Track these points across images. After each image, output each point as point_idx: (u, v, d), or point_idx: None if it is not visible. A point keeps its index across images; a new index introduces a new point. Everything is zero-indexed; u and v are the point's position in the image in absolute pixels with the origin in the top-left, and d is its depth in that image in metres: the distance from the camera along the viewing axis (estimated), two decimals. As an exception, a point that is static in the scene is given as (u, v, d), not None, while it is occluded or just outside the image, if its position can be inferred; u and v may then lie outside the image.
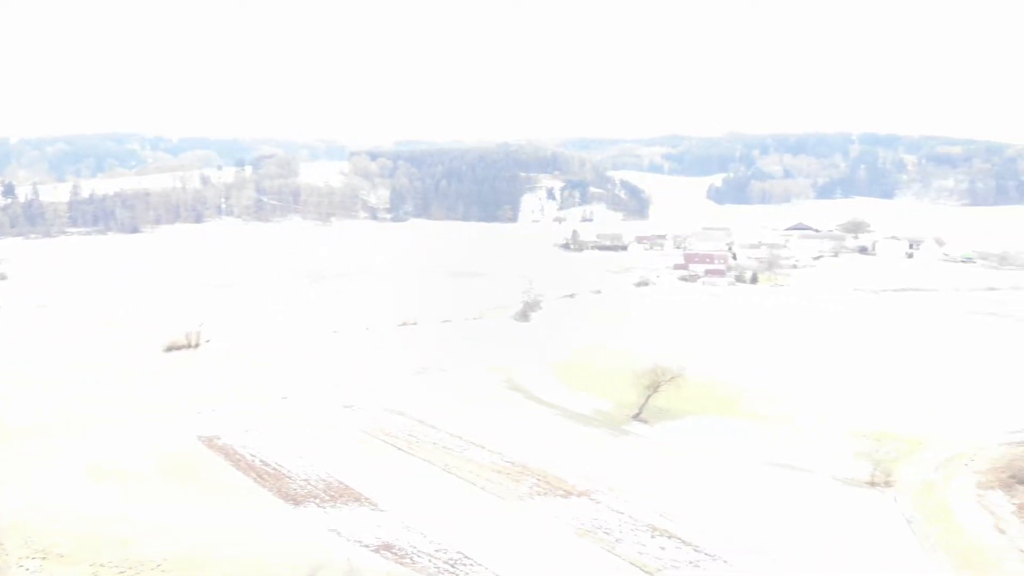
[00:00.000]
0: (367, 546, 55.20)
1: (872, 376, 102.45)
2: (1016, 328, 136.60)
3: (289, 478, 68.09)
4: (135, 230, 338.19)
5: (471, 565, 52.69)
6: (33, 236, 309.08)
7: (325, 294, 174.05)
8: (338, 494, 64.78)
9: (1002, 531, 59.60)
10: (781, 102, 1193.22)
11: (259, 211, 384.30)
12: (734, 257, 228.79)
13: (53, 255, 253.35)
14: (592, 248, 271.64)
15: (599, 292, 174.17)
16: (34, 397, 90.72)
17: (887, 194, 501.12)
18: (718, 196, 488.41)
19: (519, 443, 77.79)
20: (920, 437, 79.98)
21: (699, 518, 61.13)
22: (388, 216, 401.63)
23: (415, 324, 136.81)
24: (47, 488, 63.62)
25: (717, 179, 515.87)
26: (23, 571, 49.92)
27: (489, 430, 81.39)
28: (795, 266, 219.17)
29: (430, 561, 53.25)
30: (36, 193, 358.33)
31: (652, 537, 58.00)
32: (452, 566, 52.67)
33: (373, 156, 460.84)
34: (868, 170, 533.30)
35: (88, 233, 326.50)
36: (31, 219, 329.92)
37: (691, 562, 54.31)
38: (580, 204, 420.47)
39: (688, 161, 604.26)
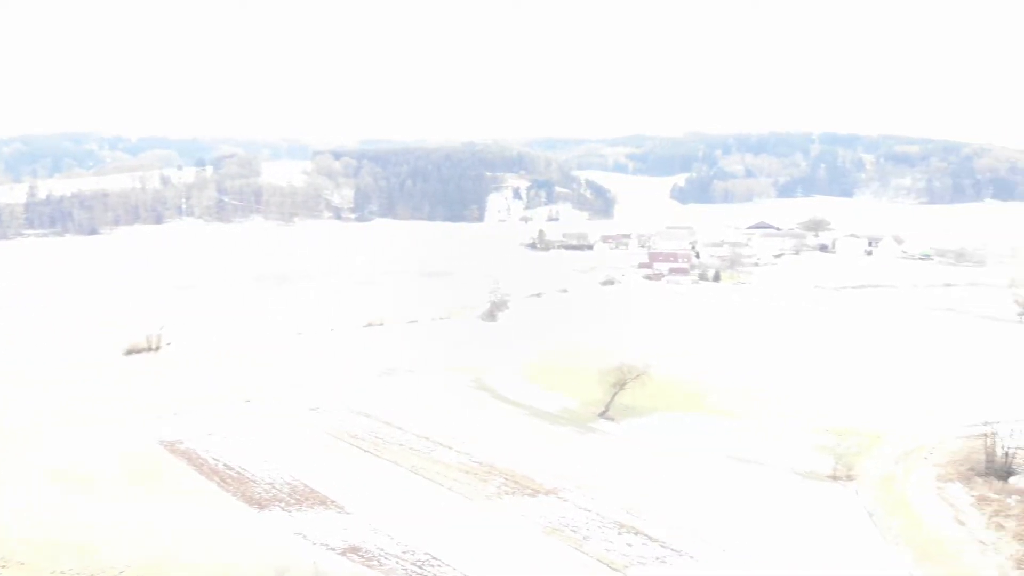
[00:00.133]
0: (333, 549, 54.76)
1: (833, 372, 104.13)
2: (973, 324, 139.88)
3: (253, 482, 67.30)
4: (93, 231, 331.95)
5: (439, 566, 52.54)
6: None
7: (289, 295, 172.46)
8: (303, 497, 64.19)
9: (961, 523, 60.90)
10: (742, 102, 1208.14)
11: (220, 211, 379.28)
12: (697, 256, 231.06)
13: (9, 257, 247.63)
14: (558, 247, 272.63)
15: (566, 291, 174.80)
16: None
17: (846, 193, 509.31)
18: (681, 196, 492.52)
19: (486, 443, 77.77)
20: (880, 431, 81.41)
21: (665, 514, 61.62)
22: (352, 216, 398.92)
23: (381, 325, 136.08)
24: (6, 494, 62.16)
25: (680, 179, 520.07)
26: (-21, 581, 48.76)
27: (456, 430, 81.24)
28: (757, 264, 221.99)
29: (397, 563, 52.99)
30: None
31: (619, 534, 58.33)
32: (420, 567, 52.47)
33: (337, 155, 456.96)
34: (828, 169, 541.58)
35: (45, 235, 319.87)
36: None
37: (657, 558, 54.73)
38: (546, 204, 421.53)
39: (652, 161, 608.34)
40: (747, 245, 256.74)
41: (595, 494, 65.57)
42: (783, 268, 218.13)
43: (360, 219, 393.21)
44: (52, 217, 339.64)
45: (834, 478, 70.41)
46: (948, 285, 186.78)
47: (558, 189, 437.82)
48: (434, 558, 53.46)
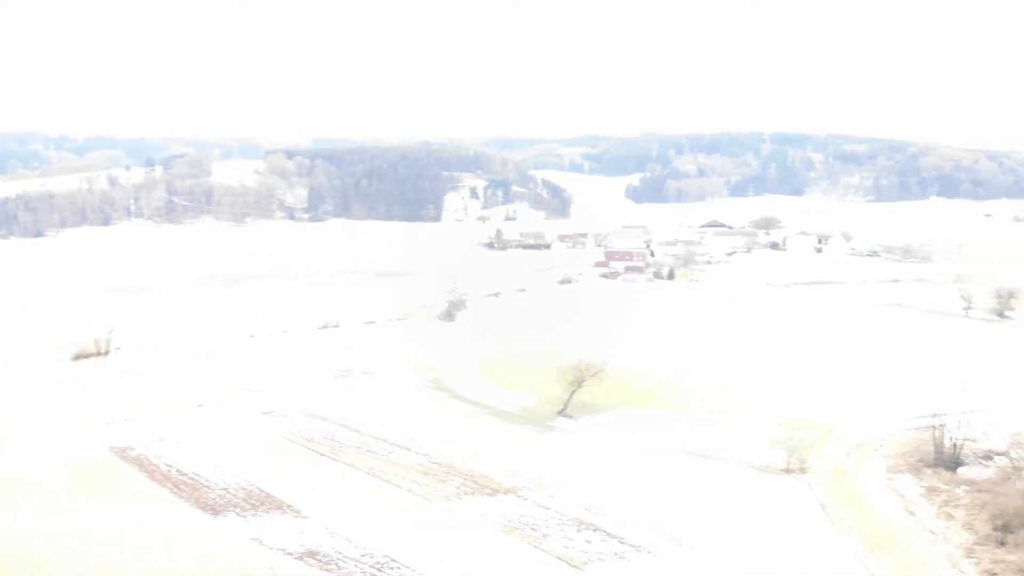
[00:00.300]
0: (290, 554, 54.06)
1: (786, 367, 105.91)
2: (920, 318, 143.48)
3: (207, 487, 66.14)
4: (39, 234, 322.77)
5: (398, 568, 52.19)
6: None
7: (241, 297, 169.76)
8: (259, 502, 63.24)
9: (912, 513, 62.40)
10: (695, 103, 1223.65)
11: (170, 212, 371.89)
12: (652, 254, 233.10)
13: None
14: (516, 247, 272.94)
15: (524, 290, 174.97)
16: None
17: (796, 191, 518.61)
18: (636, 195, 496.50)
19: (445, 443, 77.52)
20: (832, 425, 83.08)
21: (624, 510, 62.09)
22: (306, 216, 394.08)
23: (336, 326, 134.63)
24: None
25: (635, 178, 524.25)
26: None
27: (415, 432, 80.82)
28: (710, 262, 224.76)
29: (356, 566, 52.51)
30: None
31: (578, 531, 58.60)
32: (379, 570, 52.05)
33: (290, 155, 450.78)
34: (778, 168, 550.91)
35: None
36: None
37: (617, 554, 55.12)
38: (503, 203, 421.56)
39: (607, 161, 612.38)
40: (700, 243, 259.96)
41: (554, 492, 65.79)
42: (735, 266, 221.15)
43: (314, 219, 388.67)
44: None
45: (788, 471, 71.67)
46: (895, 281, 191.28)
47: (515, 189, 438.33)
48: (393, 560, 53.10)
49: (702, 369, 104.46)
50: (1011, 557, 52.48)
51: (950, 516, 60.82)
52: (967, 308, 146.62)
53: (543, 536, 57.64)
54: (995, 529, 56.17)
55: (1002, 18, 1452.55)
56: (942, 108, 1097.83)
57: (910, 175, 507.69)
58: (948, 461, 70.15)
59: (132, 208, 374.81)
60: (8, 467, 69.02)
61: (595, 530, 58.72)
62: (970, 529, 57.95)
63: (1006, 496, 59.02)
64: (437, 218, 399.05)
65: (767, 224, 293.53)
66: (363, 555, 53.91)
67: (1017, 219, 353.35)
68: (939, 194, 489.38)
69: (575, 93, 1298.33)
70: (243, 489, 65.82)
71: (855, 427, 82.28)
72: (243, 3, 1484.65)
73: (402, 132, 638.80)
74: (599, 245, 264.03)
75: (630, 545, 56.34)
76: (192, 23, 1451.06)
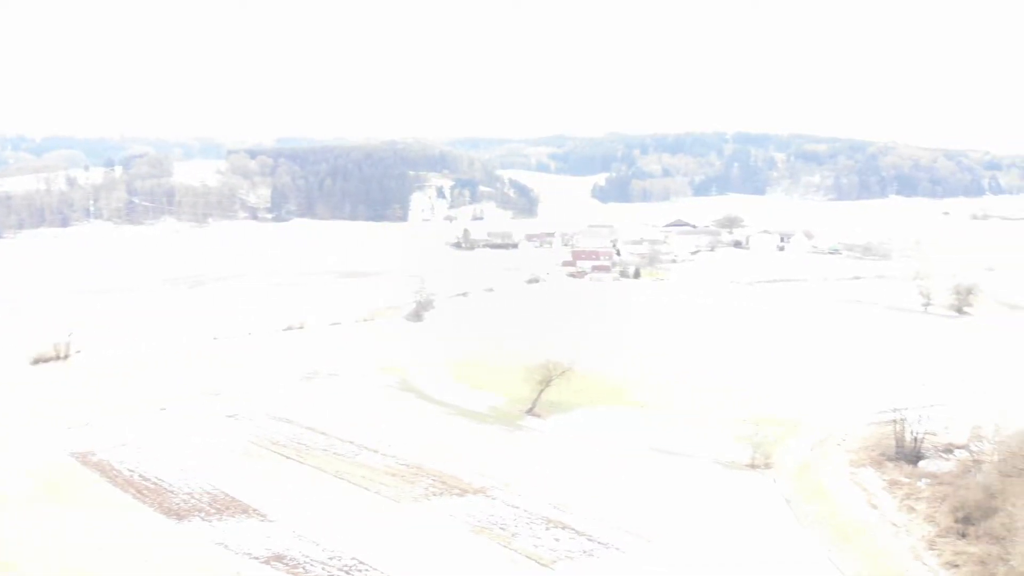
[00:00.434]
0: (257, 558, 53.39)
1: (751, 363, 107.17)
2: (880, 315, 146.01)
3: (171, 492, 65.11)
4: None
5: (366, 570, 51.81)
6: None
7: (203, 299, 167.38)
8: (224, 507, 62.38)
9: (874, 506, 63.44)
10: (659, 103, 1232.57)
11: (130, 213, 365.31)
12: (618, 253, 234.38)
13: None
14: (483, 246, 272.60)
15: (491, 290, 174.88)
16: None
17: (759, 190, 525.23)
18: (602, 195, 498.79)
19: (413, 444, 77.18)
20: (796, 420, 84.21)
21: (592, 508, 62.32)
22: (269, 216, 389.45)
23: (301, 328, 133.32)
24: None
25: (601, 178, 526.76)
26: None
27: (382, 433, 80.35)
28: (674, 261, 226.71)
29: (323, 569, 52.01)
30: None
31: (547, 529, 58.68)
32: (347, 572, 51.61)
33: (252, 154, 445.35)
34: (741, 168, 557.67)
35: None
36: None
37: (585, 551, 55.28)
38: (470, 203, 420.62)
39: (573, 160, 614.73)
40: (665, 242, 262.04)
41: (523, 491, 65.81)
42: (700, 264, 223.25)
43: (277, 219, 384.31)
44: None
45: (753, 467, 72.48)
46: (856, 278, 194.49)
47: (482, 188, 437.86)
48: (361, 562, 52.69)
49: (669, 367, 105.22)
50: (972, 549, 53.53)
51: (912, 509, 61.91)
52: (926, 304, 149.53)
53: (512, 535, 57.62)
54: (956, 521, 57.27)
55: (959, 20, 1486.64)
56: (901, 108, 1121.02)
57: (870, 174, 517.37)
58: (909, 455, 71.48)
59: (91, 209, 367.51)
60: (-36, 475, 67.34)
61: (564, 528, 58.83)
62: (931, 521, 59.03)
63: (966, 489, 60.19)
64: (403, 218, 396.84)
65: (730, 223, 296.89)
66: (331, 558, 53.42)
67: (974, 217, 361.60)
68: (898, 193, 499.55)
69: (541, 93, 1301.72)
70: (208, 493, 64.89)
71: (818, 422, 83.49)
72: (205, 1, 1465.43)
73: (367, 131, 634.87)
74: (566, 244, 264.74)
75: (599, 543, 56.54)
76: (152, 21, 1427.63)
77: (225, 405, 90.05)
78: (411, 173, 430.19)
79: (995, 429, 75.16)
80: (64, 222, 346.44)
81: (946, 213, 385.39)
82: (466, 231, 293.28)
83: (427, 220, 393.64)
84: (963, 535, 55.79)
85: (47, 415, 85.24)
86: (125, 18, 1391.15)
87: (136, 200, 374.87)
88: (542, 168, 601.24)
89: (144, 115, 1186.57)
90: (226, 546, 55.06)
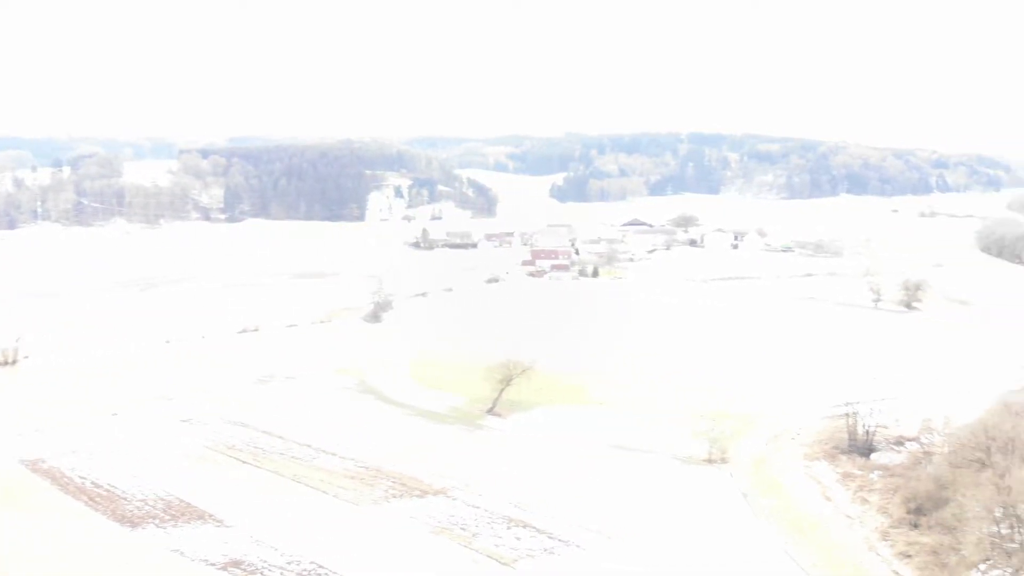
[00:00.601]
0: (213, 564, 52.48)
1: (707, 359, 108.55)
2: (832, 311, 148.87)
3: (124, 499, 63.70)
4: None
5: (325, 574, 51.25)
6: None
7: (155, 302, 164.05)
8: (179, 513, 61.21)
9: (829, 499, 64.67)
10: (615, 104, 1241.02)
11: (79, 215, 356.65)
12: (577, 252, 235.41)
13: None
14: (442, 246, 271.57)
15: (451, 290, 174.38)
16: None
17: (713, 190, 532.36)
18: (560, 194, 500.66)
19: (372, 447, 76.62)
20: (752, 415, 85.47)
21: (553, 506, 62.52)
22: (222, 217, 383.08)
23: (256, 330, 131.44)
24: None
25: (559, 178, 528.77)
26: None
27: (340, 436, 79.61)
28: (632, 260, 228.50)
29: (282, 574, 51.31)
30: None
31: (508, 528, 58.69)
32: (306, 577, 51.01)
33: (205, 154, 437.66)
34: (696, 168, 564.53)
35: None
36: None
37: (546, 550, 55.41)
38: (429, 202, 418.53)
39: (531, 160, 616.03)
40: (622, 241, 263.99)
41: (484, 491, 65.74)
42: (656, 263, 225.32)
43: (231, 220, 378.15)
44: None
45: (710, 462, 73.38)
46: (808, 275, 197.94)
47: (440, 188, 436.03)
48: (320, 566, 52.12)
49: (627, 364, 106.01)
50: (924, 539, 54.83)
51: (865, 501, 63.24)
52: (876, 300, 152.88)
53: (473, 535, 57.52)
54: (908, 512, 58.63)
55: (907, 23, 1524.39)
56: (851, 108, 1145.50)
57: (821, 173, 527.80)
58: (862, 448, 73.02)
59: (39, 210, 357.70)
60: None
61: (525, 527, 58.90)
62: (884, 513, 60.36)
63: (918, 480, 61.64)
64: (361, 217, 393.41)
65: (686, 222, 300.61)
66: (289, 562, 52.74)
67: (922, 214, 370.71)
68: (849, 191, 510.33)
69: (498, 93, 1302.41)
70: (162, 500, 63.63)
71: (773, 417, 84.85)
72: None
73: (322, 130, 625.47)
74: (525, 244, 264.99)
75: (559, 540, 56.73)
76: (101, 18, 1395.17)
77: (179, 410, 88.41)
78: (368, 172, 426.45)
79: (944, 421, 77.44)
80: (11, 224, 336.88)
81: (895, 211, 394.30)
82: (425, 231, 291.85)
83: (385, 220, 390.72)
84: (915, 526, 57.13)
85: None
86: (72, 15, 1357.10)
87: (85, 201, 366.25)
88: (500, 168, 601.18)
89: (93, 114, 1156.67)
90: (182, 553, 54.05)
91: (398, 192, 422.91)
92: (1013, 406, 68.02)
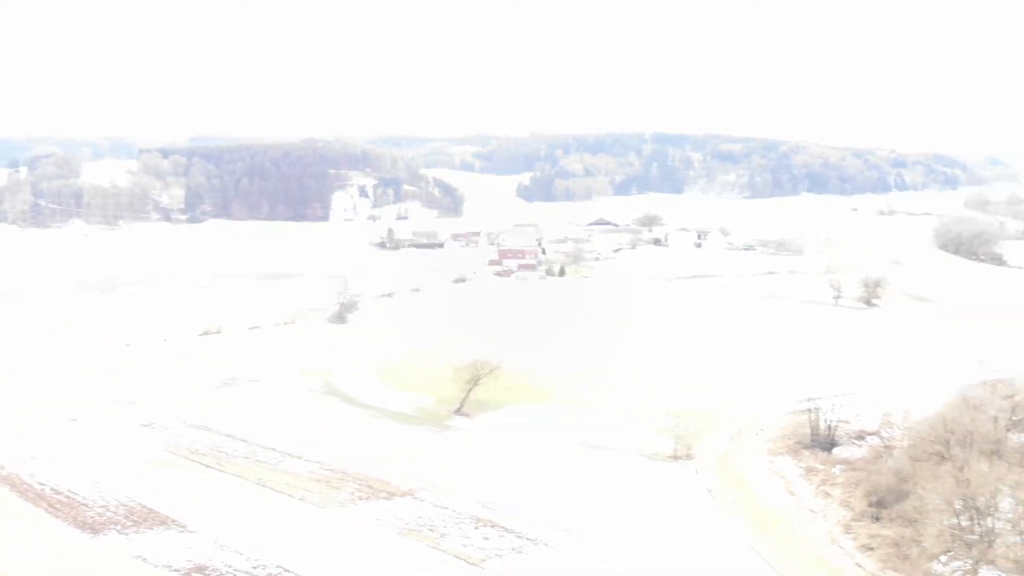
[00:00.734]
0: (177, 570, 51.70)
1: (672, 357, 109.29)
2: (794, 308, 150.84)
3: (85, 505, 62.48)
4: None
5: (292, 578, 50.73)
6: None
7: (115, 304, 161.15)
8: (141, 518, 60.17)
9: (792, 493, 65.55)
10: (580, 104, 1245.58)
11: (36, 216, 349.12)
12: (543, 252, 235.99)
13: None
14: (408, 246, 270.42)
15: (418, 290, 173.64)
16: None
17: (677, 189, 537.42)
18: (527, 194, 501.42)
19: (338, 449, 76.00)
20: (716, 412, 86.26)
21: (520, 505, 62.54)
22: (183, 217, 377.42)
23: (218, 333, 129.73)
24: None
25: (525, 177, 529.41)
26: None
27: (306, 439, 78.85)
28: (598, 259, 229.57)
29: (248, 579, 50.68)
30: None
31: (476, 528, 58.60)
32: (272, 581, 50.44)
33: (165, 153, 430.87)
34: (660, 167, 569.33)
35: None
36: None
37: (514, 549, 55.43)
38: (394, 202, 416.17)
39: (497, 160, 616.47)
40: (588, 241, 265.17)
41: (451, 491, 65.56)
42: (622, 262, 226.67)
43: (192, 220, 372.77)
44: None
45: (675, 458, 73.97)
46: (770, 273, 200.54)
47: (406, 187, 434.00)
48: (286, 570, 51.60)
49: (593, 363, 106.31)
50: (886, 531, 55.85)
51: (828, 495, 64.23)
52: (837, 297, 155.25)
53: (441, 536, 57.35)
54: (870, 505, 59.69)
55: (865, 24, 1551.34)
56: (811, 108, 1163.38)
57: (782, 172, 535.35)
58: (824, 442, 74.14)
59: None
60: None
61: (492, 527, 58.86)
62: (847, 506, 61.35)
63: (879, 474, 62.74)
64: (325, 217, 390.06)
65: (650, 221, 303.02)
66: (255, 567, 52.12)
67: (881, 213, 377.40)
68: (809, 190, 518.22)
69: (463, 92, 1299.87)
70: (124, 505, 62.51)
71: (737, 413, 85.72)
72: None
73: (285, 129, 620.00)
74: (492, 244, 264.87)
75: (527, 539, 56.79)
76: (59, 15, 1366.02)
77: (140, 414, 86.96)
78: (332, 172, 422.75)
79: (904, 415, 78.87)
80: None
81: (855, 209, 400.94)
82: (390, 231, 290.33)
83: (350, 220, 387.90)
84: (877, 519, 58.16)
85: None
86: (29, 13, 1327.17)
87: (42, 202, 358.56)
88: (466, 167, 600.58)
89: (51, 114, 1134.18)
90: (145, 559, 53.18)
91: (363, 192, 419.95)
92: (971, 400, 69.51)
